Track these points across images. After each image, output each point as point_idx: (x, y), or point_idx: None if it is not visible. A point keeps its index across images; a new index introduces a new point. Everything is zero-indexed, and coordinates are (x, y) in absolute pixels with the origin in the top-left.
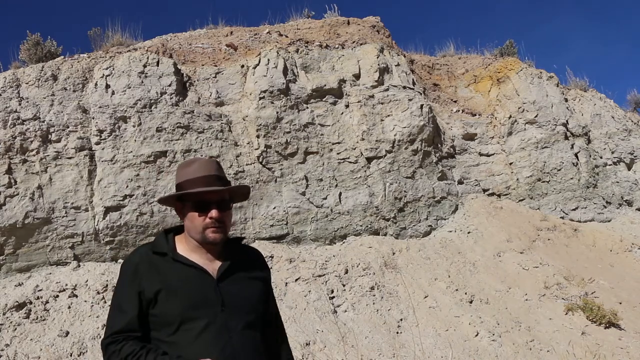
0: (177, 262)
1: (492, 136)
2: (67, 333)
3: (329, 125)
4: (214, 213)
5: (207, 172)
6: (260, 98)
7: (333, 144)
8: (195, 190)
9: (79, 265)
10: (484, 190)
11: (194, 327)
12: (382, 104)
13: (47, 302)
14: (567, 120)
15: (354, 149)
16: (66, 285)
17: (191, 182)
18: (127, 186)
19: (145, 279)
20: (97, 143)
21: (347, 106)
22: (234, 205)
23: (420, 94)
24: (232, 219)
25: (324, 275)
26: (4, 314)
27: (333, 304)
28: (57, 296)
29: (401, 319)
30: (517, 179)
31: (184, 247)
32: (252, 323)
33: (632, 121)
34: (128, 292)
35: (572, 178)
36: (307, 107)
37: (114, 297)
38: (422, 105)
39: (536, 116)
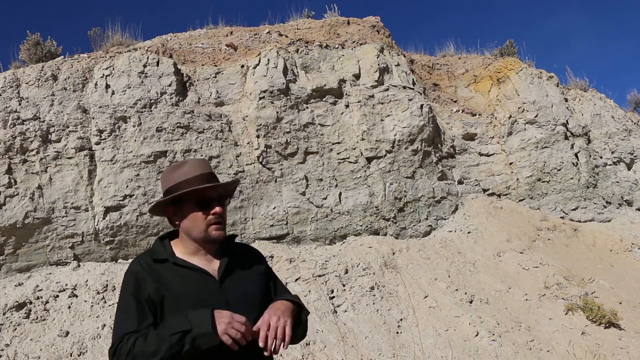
0: (178, 266)
1: (492, 136)
2: (67, 333)
3: (329, 125)
4: (217, 209)
5: (203, 170)
6: (260, 98)
7: (333, 144)
8: (201, 187)
9: (79, 265)
10: (484, 190)
11: None
12: (382, 104)
13: (47, 302)
14: (567, 120)
15: (354, 149)
16: (66, 285)
17: (189, 182)
18: (127, 186)
19: (149, 286)
20: (97, 143)
21: (347, 106)
22: (233, 205)
23: (420, 94)
24: (232, 219)
25: (324, 275)
26: (4, 314)
27: (333, 304)
28: (57, 296)
29: (401, 319)
30: (517, 179)
31: (181, 251)
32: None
33: (632, 121)
34: (134, 300)
35: (572, 178)
36: (307, 107)
37: (119, 307)
38: (422, 105)
39: (536, 116)
